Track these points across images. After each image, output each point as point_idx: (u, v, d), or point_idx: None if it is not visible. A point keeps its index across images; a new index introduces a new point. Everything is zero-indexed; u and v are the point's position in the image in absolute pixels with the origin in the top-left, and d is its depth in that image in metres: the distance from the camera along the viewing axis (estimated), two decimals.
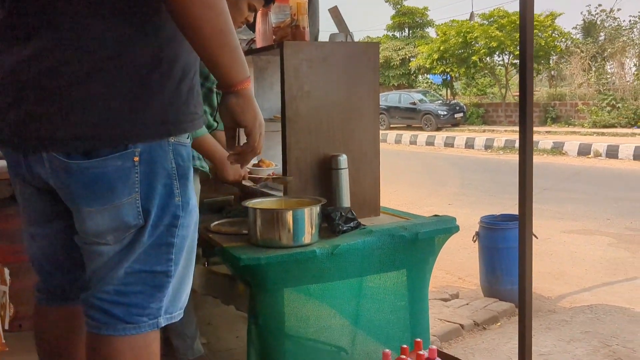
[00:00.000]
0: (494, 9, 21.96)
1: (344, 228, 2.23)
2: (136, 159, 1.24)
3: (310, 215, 2.12)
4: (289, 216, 2.09)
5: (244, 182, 2.99)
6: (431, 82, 28.67)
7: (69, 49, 1.19)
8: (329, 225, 2.23)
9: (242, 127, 1.33)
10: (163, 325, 1.36)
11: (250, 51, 2.81)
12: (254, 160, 2.32)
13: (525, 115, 2.15)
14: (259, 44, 2.72)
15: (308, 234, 2.12)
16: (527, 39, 2.11)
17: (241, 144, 1.39)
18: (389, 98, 22.77)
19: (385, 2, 30.31)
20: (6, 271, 2.34)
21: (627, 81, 19.86)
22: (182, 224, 1.33)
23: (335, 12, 2.72)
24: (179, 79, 1.28)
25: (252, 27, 2.87)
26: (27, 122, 1.23)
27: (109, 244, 1.29)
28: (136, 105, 1.22)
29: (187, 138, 1.36)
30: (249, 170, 2.56)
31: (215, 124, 2.45)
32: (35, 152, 1.26)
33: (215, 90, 2.41)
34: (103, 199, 1.25)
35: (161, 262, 1.32)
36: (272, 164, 2.58)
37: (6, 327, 2.29)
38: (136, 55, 1.22)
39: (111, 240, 1.29)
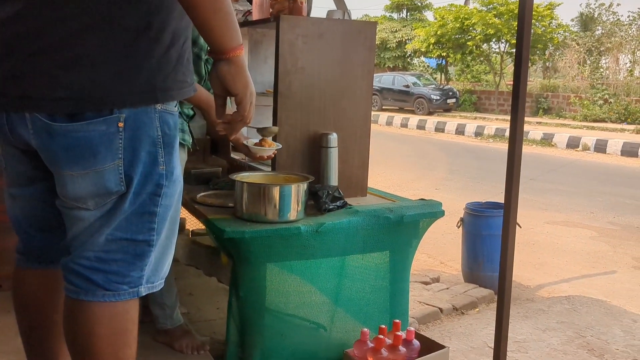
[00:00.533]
0: None
1: (330, 206, 2.23)
2: (121, 124, 1.23)
3: (297, 192, 2.12)
4: (276, 192, 2.09)
5: (232, 155, 2.98)
6: (427, 66, 28.57)
7: (57, 8, 1.17)
8: (315, 202, 2.24)
9: (233, 95, 1.31)
10: (144, 294, 1.35)
11: (246, 23, 2.78)
12: (255, 140, 2.29)
13: (517, 105, 2.15)
14: (255, 16, 2.68)
15: (294, 210, 2.12)
16: (524, 29, 2.10)
17: (231, 113, 1.36)
18: (383, 79, 22.67)
19: None
20: None
21: (622, 76, 19.93)
22: (166, 193, 1.32)
23: None
24: (167, 45, 1.25)
25: None
26: (11, 80, 1.21)
27: (89, 209, 1.28)
28: (124, 69, 1.20)
29: (175, 107, 1.34)
30: (246, 143, 2.51)
31: None
32: (18, 111, 1.24)
33: (203, 57, 2.38)
34: (85, 163, 1.23)
35: (143, 230, 1.31)
36: (274, 144, 2.52)
37: None
38: (126, 18, 1.20)
39: (92, 205, 1.27)
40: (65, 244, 1.36)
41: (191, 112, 2.44)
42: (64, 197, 1.30)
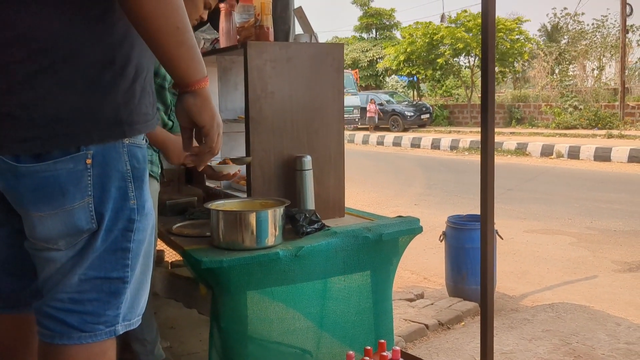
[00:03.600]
0: (461, 12, 22.24)
1: (308, 230, 2.22)
2: (89, 161, 1.20)
3: (273, 217, 2.10)
4: (252, 218, 2.07)
5: (207, 183, 2.96)
6: (401, 82, 28.89)
7: (20, 47, 1.15)
8: (293, 226, 2.22)
9: (200, 127, 1.29)
10: (121, 332, 1.32)
11: (214, 51, 2.78)
12: (217, 158, 2.29)
13: (486, 116, 2.17)
14: (222, 43, 2.68)
15: (271, 235, 2.10)
16: (488, 39, 2.13)
17: (198, 145, 1.35)
18: None
19: (352, 3, 30.49)
20: None
21: (590, 83, 20.35)
22: (138, 228, 1.29)
23: (299, 13, 2.71)
24: (132, 79, 1.24)
25: (216, 26, 2.84)
26: None
27: (60, 249, 1.24)
28: (89, 105, 1.19)
29: (143, 139, 1.33)
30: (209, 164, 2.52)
31: (171, 123, 2.41)
32: None
33: (167, 87, 2.37)
34: (53, 203, 1.20)
35: (117, 268, 1.27)
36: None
37: None
38: (89, 55, 1.18)
39: (63, 245, 1.24)
40: (36, 287, 1.32)
41: None
42: (33, 239, 1.26)
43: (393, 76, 28.41)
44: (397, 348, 2.16)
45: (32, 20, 1.15)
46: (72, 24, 1.17)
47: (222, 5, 2.65)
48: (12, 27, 1.15)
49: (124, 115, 1.23)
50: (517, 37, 21.21)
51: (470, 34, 20.94)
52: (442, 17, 23.11)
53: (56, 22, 1.16)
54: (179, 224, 2.44)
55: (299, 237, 2.19)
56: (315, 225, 2.25)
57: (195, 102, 1.26)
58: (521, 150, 14.34)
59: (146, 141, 1.36)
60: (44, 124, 1.16)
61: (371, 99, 21.92)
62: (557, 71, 21.77)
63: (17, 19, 1.15)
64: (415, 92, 26.78)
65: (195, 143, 1.36)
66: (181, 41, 1.19)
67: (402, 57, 23.28)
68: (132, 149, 1.27)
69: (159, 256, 3.48)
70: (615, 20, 21.29)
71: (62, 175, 1.19)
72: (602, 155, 12.57)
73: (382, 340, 2.17)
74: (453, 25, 22.14)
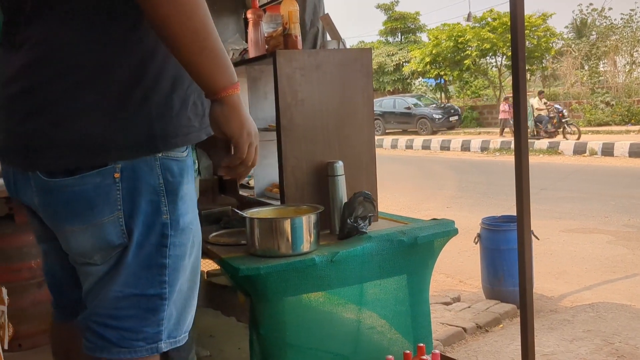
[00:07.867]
0: (485, 11, 22.04)
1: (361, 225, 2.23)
2: (117, 175, 1.19)
3: (308, 223, 2.11)
4: (287, 225, 2.08)
5: (241, 192, 2.99)
6: (427, 85, 28.71)
7: (49, 67, 1.17)
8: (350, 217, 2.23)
9: (228, 137, 1.22)
10: (165, 350, 1.30)
11: (243, 61, 2.81)
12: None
13: (519, 115, 2.15)
14: (251, 53, 2.72)
15: (307, 242, 2.11)
16: (518, 38, 2.12)
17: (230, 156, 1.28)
18: (384, 103, 22.80)
19: (377, 8, 30.51)
20: (4, 290, 2.32)
21: (621, 79, 19.94)
22: (174, 243, 1.26)
23: (326, 20, 2.72)
24: (168, 92, 1.22)
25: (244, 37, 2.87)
26: (12, 140, 1.22)
27: (96, 264, 1.25)
28: (117, 121, 1.18)
29: (184, 152, 1.28)
30: None
31: None
32: (22, 171, 1.24)
33: None
34: (83, 218, 1.20)
35: (153, 284, 1.25)
36: None
37: (5, 347, 2.27)
38: (119, 70, 1.18)
39: (98, 259, 1.24)
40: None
41: None
42: (70, 253, 1.29)
43: (420, 79, 28.27)
44: (437, 352, 2.14)
45: (61, 40, 1.16)
46: (101, 41, 1.17)
47: (249, 16, 2.68)
48: (41, 47, 1.17)
49: (157, 129, 1.20)
50: (543, 33, 20.90)
51: (496, 34, 20.72)
52: (469, 16, 22.62)
53: (85, 40, 1.17)
54: (214, 233, 2.47)
55: (353, 232, 2.21)
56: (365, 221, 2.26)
57: (222, 110, 1.19)
58: (553, 149, 14.12)
59: (187, 154, 1.34)
60: (74, 140, 1.17)
61: (505, 98, 18.86)
62: (586, 68, 21.41)
63: (44, 39, 1.17)
64: (443, 95, 26.60)
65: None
66: (202, 46, 1.13)
67: (428, 59, 23.16)
68: (165, 162, 1.24)
69: None
70: None
71: (90, 189, 1.18)
72: (638, 152, 12.29)
73: (421, 344, 2.16)
74: (478, 25, 21.93)
